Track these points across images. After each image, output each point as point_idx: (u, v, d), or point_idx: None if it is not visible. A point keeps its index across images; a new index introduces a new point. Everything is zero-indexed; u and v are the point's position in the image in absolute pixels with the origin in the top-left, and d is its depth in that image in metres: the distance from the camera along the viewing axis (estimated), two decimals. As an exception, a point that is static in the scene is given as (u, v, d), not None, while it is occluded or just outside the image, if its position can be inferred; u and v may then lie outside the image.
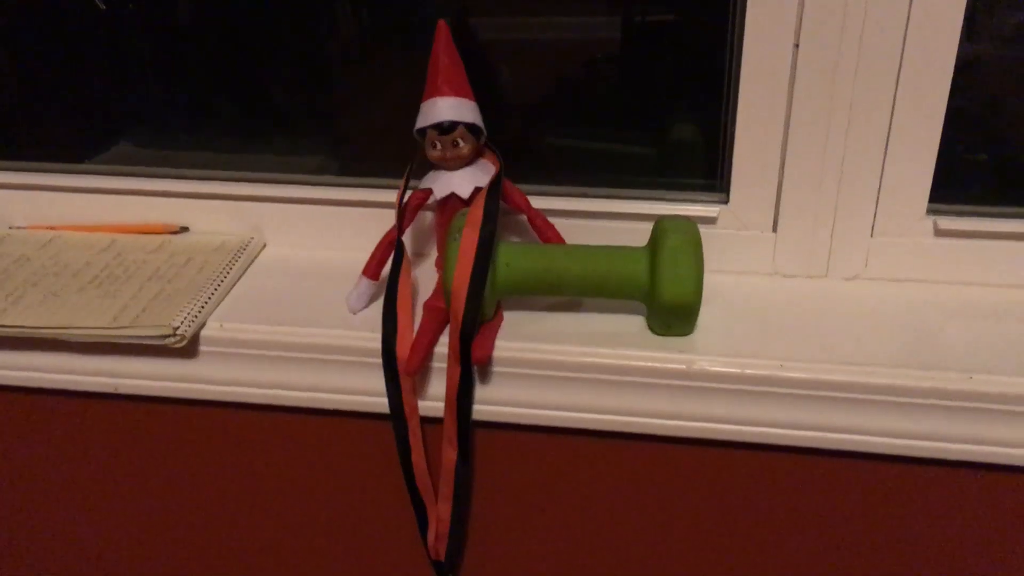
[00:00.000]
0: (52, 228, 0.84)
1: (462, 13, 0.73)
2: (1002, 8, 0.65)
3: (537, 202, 0.72)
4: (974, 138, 0.70)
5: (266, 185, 0.80)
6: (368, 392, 0.69)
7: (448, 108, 0.67)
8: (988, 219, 0.70)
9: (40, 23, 0.81)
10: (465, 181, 0.69)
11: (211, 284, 0.74)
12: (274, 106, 0.82)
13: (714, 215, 0.73)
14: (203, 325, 0.70)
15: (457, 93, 0.68)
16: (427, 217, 0.78)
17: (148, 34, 0.80)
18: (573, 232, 0.75)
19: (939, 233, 0.71)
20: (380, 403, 0.69)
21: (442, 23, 0.67)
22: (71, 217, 0.84)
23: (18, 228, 0.85)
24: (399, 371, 0.67)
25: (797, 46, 0.65)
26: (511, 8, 0.74)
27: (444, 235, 0.71)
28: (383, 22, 0.77)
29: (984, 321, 0.68)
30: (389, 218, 0.71)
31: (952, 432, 0.63)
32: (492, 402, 0.68)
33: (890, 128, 0.67)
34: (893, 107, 0.66)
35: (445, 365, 0.66)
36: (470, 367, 0.65)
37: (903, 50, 0.64)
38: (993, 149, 0.71)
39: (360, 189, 0.78)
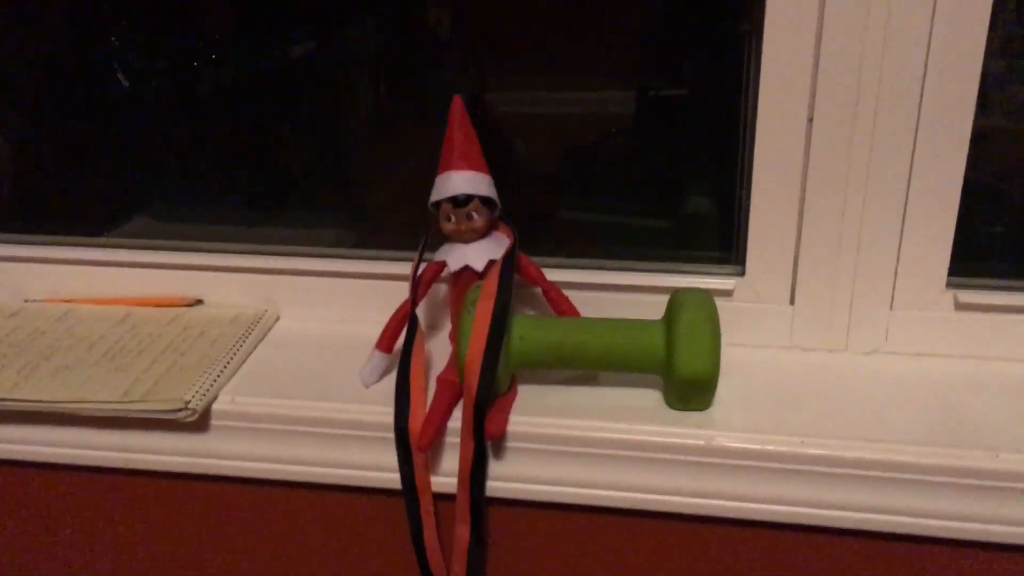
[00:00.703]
0: (67, 301, 0.84)
1: (477, 88, 0.74)
2: (1013, 81, 0.65)
3: (552, 275, 0.72)
4: (992, 210, 0.70)
5: (281, 258, 0.80)
6: (380, 467, 0.68)
7: (463, 181, 0.67)
8: (1009, 293, 0.69)
9: (59, 97, 0.82)
10: (479, 254, 0.69)
11: (224, 357, 0.73)
12: (290, 180, 0.83)
13: (730, 288, 0.72)
14: (215, 399, 0.70)
15: (472, 167, 0.68)
16: (441, 290, 0.78)
17: (167, 108, 0.81)
18: (588, 305, 0.74)
19: (960, 307, 0.70)
20: (392, 479, 0.67)
21: (457, 98, 0.68)
22: (87, 290, 0.84)
23: (34, 301, 0.85)
24: (412, 446, 0.66)
25: (811, 120, 0.65)
26: (526, 84, 0.74)
27: (458, 308, 0.70)
28: (399, 96, 0.78)
29: (1008, 397, 0.66)
30: (403, 291, 0.71)
31: (979, 512, 0.61)
32: (507, 478, 0.67)
33: (907, 200, 0.66)
34: (909, 179, 0.66)
35: (458, 440, 0.65)
36: (484, 442, 0.64)
37: (918, 122, 0.64)
38: (1011, 221, 0.70)
39: (374, 262, 0.79)
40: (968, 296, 0.69)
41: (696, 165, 0.73)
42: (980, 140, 0.65)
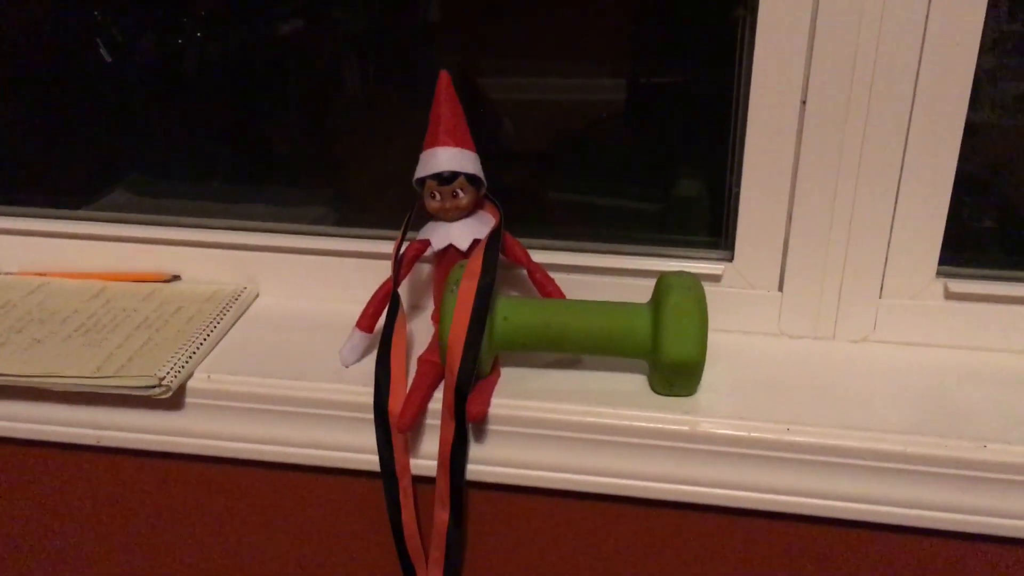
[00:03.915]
0: (41, 275, 0.82)
1: (466, 67, 0.73)
2: (1005, 77, 0.65)
3: (537, 256, 0.71)
4: (982, 203, 0.69)
5: (261, 234, 0.78)
6: (358, 449, 0.67)
7: (448, 158, 0.66)
8: (1000, 283, 0.68)
9: (39, 70, 0.80)
10: (464, 232, 0.68)
11: (200, 334, 0.72)
12: (273, 156, 0.81)
13: (719, 273, 0.71)
14: (190, 376, 0.68)
15: (458, 143, 0.66)
16: (424, 270, 0.77)
17: (149, 83, 0.79)
18: (574, 287, 0.73)
19: (949, 296, 0.69)
20: (370, 460, 0.66)
21: (444, 73, 0.66)
22: (63, 264, 0.82)
23: (6, 274, 0.83)
24: (391, 427, 0.64)
25: (804, 103, 0.64)
26: (516, 70, 0.73)
27: (441, 287, 0.69)
28: (386, 75, 0.77)
29: (996, 388, 0.66)
30: (385, 270, 0.70)
31: (964, 503, 0.60)
32: (487, 462, 0.66)
33: (899, 187, 0.66)
34: (902, 166, 0.65)
35: (439, 422, 0.64)
36: (465, 424, 0.63)
37: (912, 108, 0.63)
38: (1002, 214, 0.70)
39: (356, 240, 0.77)
40: (958, 285, 0.68)
41: (687, 148, 0.72)
42: (972, 133, 0.64)
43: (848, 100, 0.63)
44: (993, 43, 0.63)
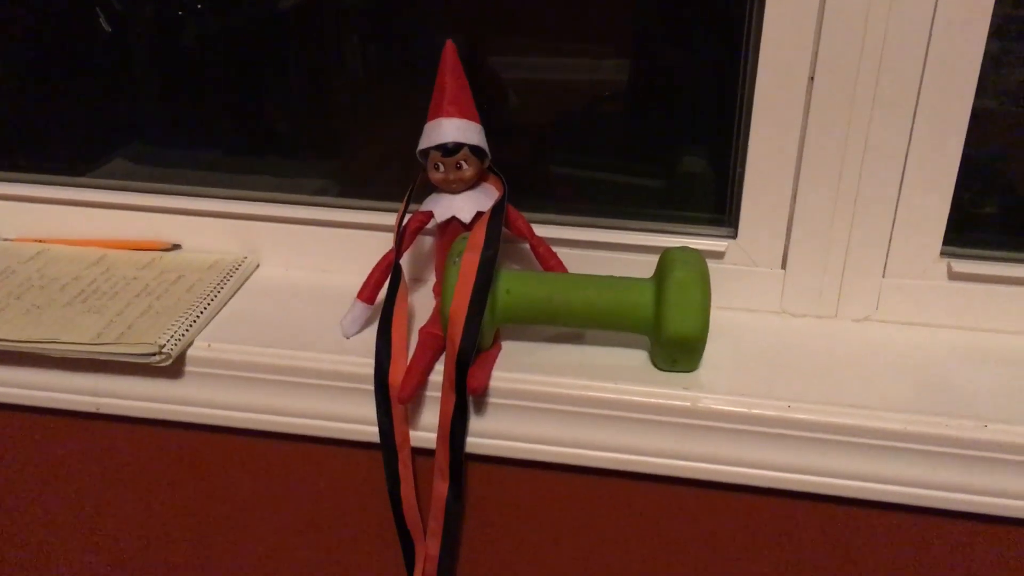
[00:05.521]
0: (41, 241, 0.82)
1: (471, 39, 0.72)
2: (1011, 63, 0.64)
3: (540, 231, 0.70)
4: (987, 185, 0.69)
5: (263, 204, 0.78)
6: (358, 420, 0.67)
7: (453, 129, 0.65)
8: (1004, 264, 0.68)
9: (40, 36, 0.79)
10: (467, 205, 0.67)
11: (201, 303, 0.71)
12: (276, 127, 0.80)
13: (722, 249, 0.71)
14: (190, 344, 0.68)
15: (462, 114, 0.66)
16: (426, 242, 0.76)
17: (151, 52, 0.78)
18: (576, 263, 0.72)
19: (953, 276, 0.69)
20: (370, 431, 0.66)
21: (449, 43, 0.66)
22: (62, 231, 0.82)
23: (5, 240, 0.82)
24: (392, 398, 0.64)
25: (812, 79, 0.64)
26: (520, 47, 0.72)
27: (443, 260, 0.69)
28: (389, 48, 0.76)
29: (999, 368, 0.65)
30: (388, 242, 0.69)
31: (966, 483, 0.60)
32: (487, 435, 0.66)
33: (905, 166, 0.65)
34: (909, 144, 0.64)
35: (439, 395, 0.64)
36: (465, 397, 0.63)
37: (921, 85, 0.62)
38: (1006, 197, 0.69)
39: (359, 211, 0.76)
40: (962, 266, 0.68)
41: (692, 125, 0.72)
42: (977, 118, 0.64)
43: (856, 77, 0.62)
44: (998, 28, 0.63)
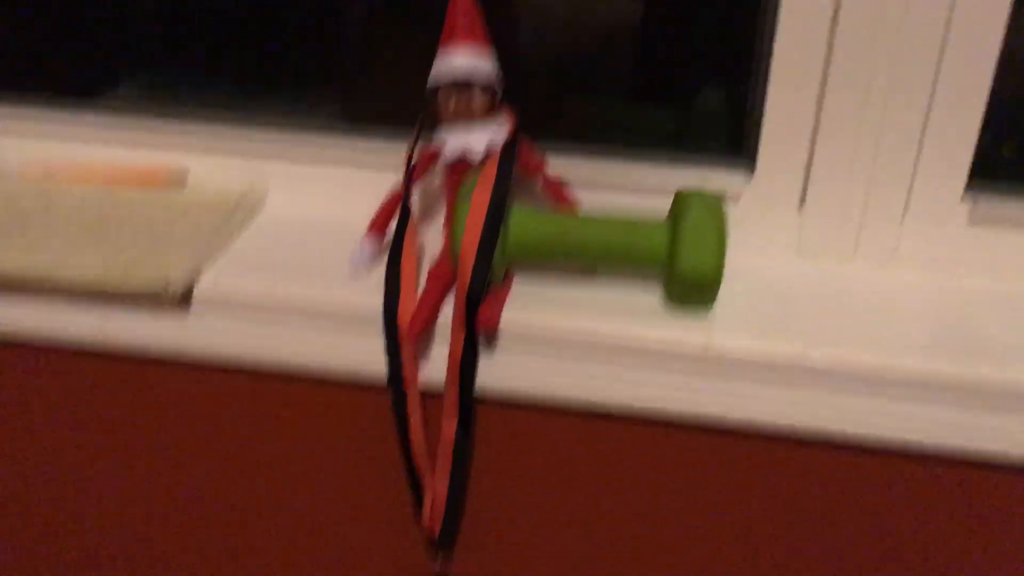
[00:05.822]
0: (46, 172, 0.80)
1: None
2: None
3: (551, 166, 0.69)
4: (1012, 129, 0.67)
5: (271, 141, 0.76)
6: (367, 358, 0.66)
7: (465, 61, 0.64)
8: (1027, 207, 0.66)
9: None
10: (479, 139, 0.66)
11: (208, 238, 0.70)
12: (284, 58, 0.79)
13: (739, 188, 0.69)
14: (197, 279, 0.67)
15: (474, 47, 0.64)
16: (434, 182, 0.75)
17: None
18: (587, 198, 0.71)
19: (975, 220, 0.67)
20: (378, 370, 0.65)
21: (462, -29, 0.64)
22: (66, 161, 0.81)
23: (9, 171, 0.81)
24: (400, 335, 0.63)
25: (837, 10, 0.61)
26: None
27: (453, 196, 0.67)
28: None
29: (1019, 314, 0.64)
30: (398, 178, 0.68)
31: (984, 425, 0.59)
32: (496, 376, 0.65)
33: (931, 103, 0.63)
34: (936, 80, 0.62)
35: (449, 334, 0.63)
36: (475, 334, 0.62)
37: (951, 16, 0.60)
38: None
39: (367, 146, 0.75)
40: (985, 209, 0.66)
41: (711, 58, 0.70)
42: (1005, 57, 0.62)
43: (884, 7, 0.60)
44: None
